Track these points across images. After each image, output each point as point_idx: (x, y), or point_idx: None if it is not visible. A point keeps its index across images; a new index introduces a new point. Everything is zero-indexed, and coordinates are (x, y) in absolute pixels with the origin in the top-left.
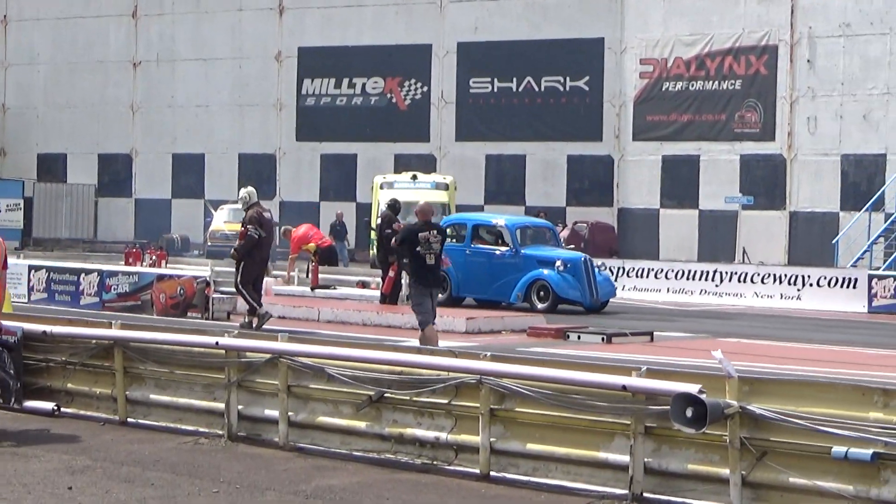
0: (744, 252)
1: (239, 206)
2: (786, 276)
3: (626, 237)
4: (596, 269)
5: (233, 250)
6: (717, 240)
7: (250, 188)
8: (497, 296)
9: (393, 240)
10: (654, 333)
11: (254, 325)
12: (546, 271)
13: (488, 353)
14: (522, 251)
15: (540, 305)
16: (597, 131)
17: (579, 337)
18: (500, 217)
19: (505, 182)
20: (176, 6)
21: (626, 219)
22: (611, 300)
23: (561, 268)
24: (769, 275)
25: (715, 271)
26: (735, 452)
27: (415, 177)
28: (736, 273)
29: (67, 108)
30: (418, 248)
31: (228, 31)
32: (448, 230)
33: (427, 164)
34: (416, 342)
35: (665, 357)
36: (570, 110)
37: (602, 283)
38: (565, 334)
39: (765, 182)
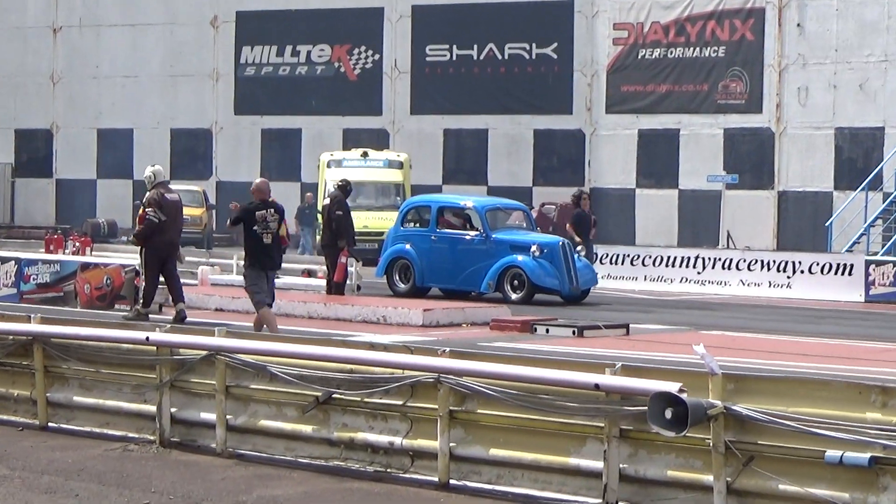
0: (728, 236)
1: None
2: (774, 262)
3: (599, 220)
4: (576, 255)
5: (132, 234)
6: (699, 223)
7: (157, 167)
8: (466, 285)
9: (228, 220)
10: (630, 326)
11: (133, 315)
12: (520, 257)
13: (447, 349)
14: (493, 236)
15: (514, 295)
16: (566, 103)
17: (547, 330)
18: (468, 198)
19: (465, 159)
20: None
21: (600, 199)
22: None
23: (536, 253)
24: (756, 261)
25: (697, 257)
26: (719, 457)
27: (365, 154)
28: (720, 259)
29: None
30: (255, 227)
31: None
32: (409, 213)
33: (379, 139)
34: (368, 337)
35: (642, 352)
36: (537, 80)
37: (582, 270)
38: (532, 327)
39: (751, 159)
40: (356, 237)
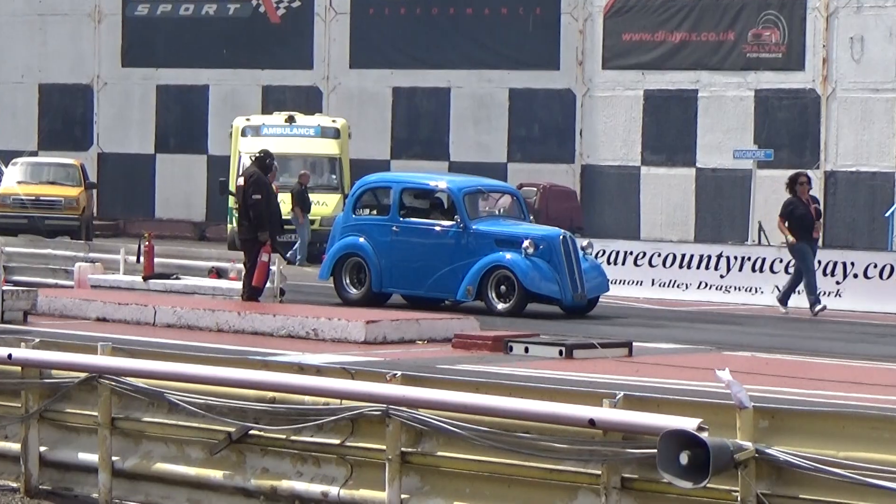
0: (760, 229)
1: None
2: (819, 263)
3: (593, 207)
4: (581, 253)
5: None
6: (723, 211)
7: None
8: (437, 291)
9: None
10: (634, 345)
11: None
12: (509, 255)
13: (398, 373)
14: (474, 226)
15: (500, 305)
16: (551, 56)
17: (527, 349)
18: (439, 177)
19: (420, 127)
20: None
21: (594, 180)
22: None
23: (530, 250)
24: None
25: (719, 256)
26: None
27: (291, 119)
28: (749, 259)
29: None
30: None
31: None
32: (364, 197)
33: (309, 100)
34: (296, 356)
35: (649, 379)
36: (515, 26)
37: (589, 273)
38: (507, 345)
39: (790, 129)
40: (283, 226)
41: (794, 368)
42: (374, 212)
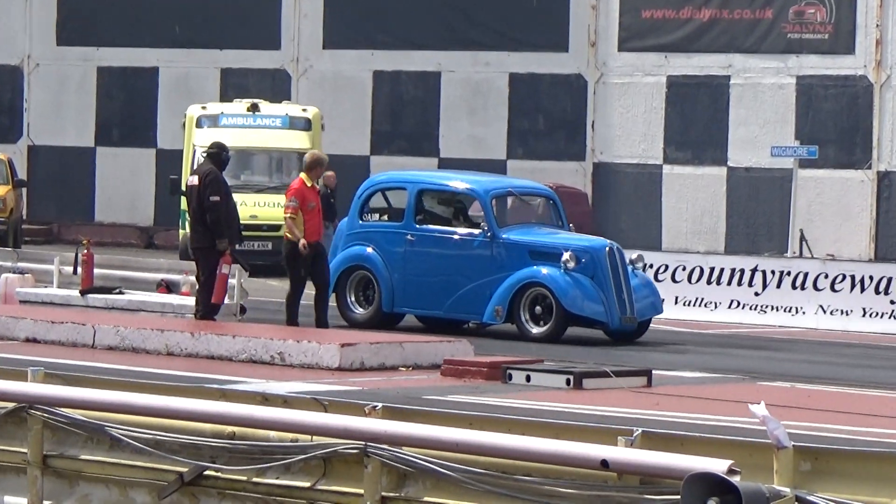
0: (802, 238)
1: None
2: (872, 278)
3: (607, 212)
4: (630, 268)
5: None
6: (759, 218)
7: None
8: (459, 312)
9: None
10: (654, 373)
11: None
12: (545, 270)
13: (378, 405)
14: (503, 235)
15: (535, 329)
16: (559, 36)
17: (528, 378)
18: (461, 177)
19: (405, 118)
20: None
21: (608, 181)
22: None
23: (571, 264)
24: (844, 276)
25: (754, 270)
26: None
27: (255, 107)
28: (788, 273)
29: None
30: None
31: None
32: (372, 200)
33: (276, 86)
34: (259, 385)
35: (672, 413)
36: (516, 0)
37: (640, 291)
38: (505, 373)
39: (838, 122)
40: (241, 232)
41: (842, 402)
42: (385, 217)
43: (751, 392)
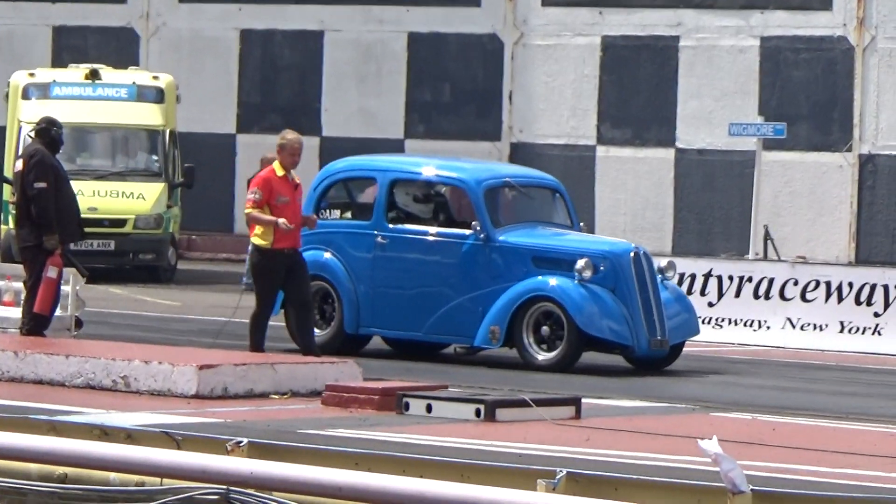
0: (766, 236)
1: None
2: (851, 285)
3: None
4: (659, 278)
5: None
6: (714, 211)
7: None
8: (443, 333)
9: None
10: (583, 401)
11: None
12: (554, 280)
13: (243, 441)
14: (500, 237)
15: (542, 355)
16: None
17: (429, 407)
18: (445, 164)
19: (280, 88)
20: None
21: (529, 165)
22: None
23: (587, 273)
24: (818, 283)
25: (708, 276)
26: None
27: (95, 74)
28: (750, 279)
29: None
30: None
31: None
32: (331, 191)
33: (121, 48)
34: (98, 415)
35: (605, 451)
36: None
37: (671, 307)
38: (401, 401)
39: (811, 94)
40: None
41: (814, 437)
42: (349, 214)
43: (702, 425)
